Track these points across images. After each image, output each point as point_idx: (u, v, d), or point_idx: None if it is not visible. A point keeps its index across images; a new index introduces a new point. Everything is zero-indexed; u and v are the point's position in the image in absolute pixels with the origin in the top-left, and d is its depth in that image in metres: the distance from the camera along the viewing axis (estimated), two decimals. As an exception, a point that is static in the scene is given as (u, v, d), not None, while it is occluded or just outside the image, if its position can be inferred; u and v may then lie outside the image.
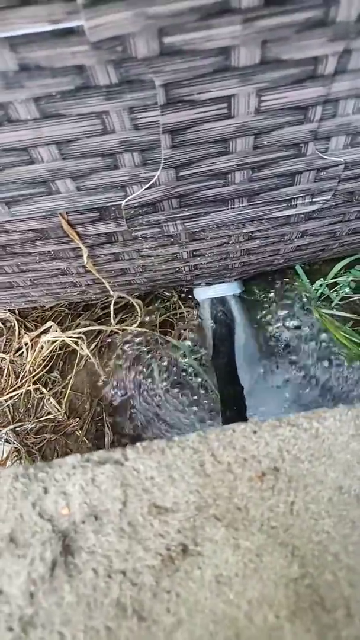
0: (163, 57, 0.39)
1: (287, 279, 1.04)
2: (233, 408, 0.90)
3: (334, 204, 0.64)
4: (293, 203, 0.62)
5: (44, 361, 0.98)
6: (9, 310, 1.04)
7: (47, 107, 0.42)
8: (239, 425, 0.44)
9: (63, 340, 0.96)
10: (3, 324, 1.04)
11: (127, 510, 0.40)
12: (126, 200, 0.56)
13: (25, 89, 0.40)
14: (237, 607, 0.36)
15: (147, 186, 0.54)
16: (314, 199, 0.62)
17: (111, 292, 0.80)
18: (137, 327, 0.98)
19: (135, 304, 0.92)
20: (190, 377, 0.97)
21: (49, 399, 0.96)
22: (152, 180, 0.53)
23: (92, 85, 0.41)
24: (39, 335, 0.98)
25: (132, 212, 0.58)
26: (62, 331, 0.96)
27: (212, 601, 0.36)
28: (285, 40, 0.38)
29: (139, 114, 0.45)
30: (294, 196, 0.61)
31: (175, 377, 0.97)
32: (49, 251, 0.65)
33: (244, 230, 0.67)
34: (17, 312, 1.05)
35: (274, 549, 0.39)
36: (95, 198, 0.55)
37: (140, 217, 0.60)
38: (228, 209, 0.61)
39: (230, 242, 0.70)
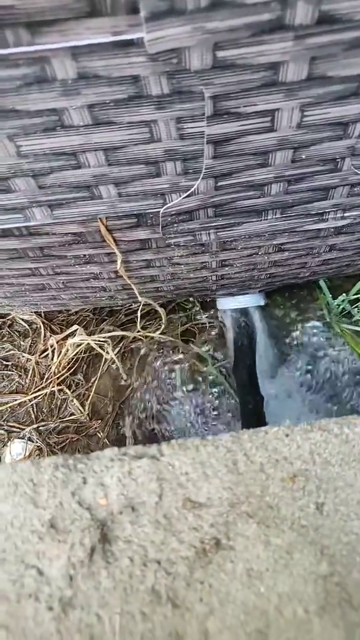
0: (215, 70, 0.41)
1: (309, 293, 1.05)
2: (253, 417, 0.91)
3: (363, 219, 0.66)
4: (325, 217, 0.64)
5: (68, 364, 1.00)
6: (35, 312, 1.06)
7: (100, 114, 0.44)
8: (271, 428, 0.46)
9: (88, 344, 0.98)
10: (29, 325, 1.07)
11: (162, 504, 0.41)
12: (164, 207, 0.57)
13: (81, 96, 0.42)
14: (267, 600, 0.37)
15: (186, 195, 0.56)
16: (345, 214, 0.64)
17: (139, 298, 0.82)
18: (160, 334, 1.00)
19: (159, 311, 0.94)
20: (212, 386, 0.98)
21: (72, 401, 0.98)
22: (192, 189, 0.55)
23: (144, 94, 0.43)
24: (64, 338, 1.00)
25: (169, 219, 0.60)
26: (87, 335, 0.98)
27: (243, 593, 0.37)
28: (333, 57, 0.40)
29: (185, 124, 0.46)
30: (326, 210, 0.63)
31: (197, 386, 0.98)
32: (84, 255, 0.67)
33: (275, 242, 0.69)
34: (43, 314, 1.07)
35: (304, 547, 0.40)
36: (135, 204, 0.57)
37: (175, 225, 0.61)
38: (261, 220, 0.63)
39: (259, 253, 0.72)
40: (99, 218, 0.58)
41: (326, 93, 0.44)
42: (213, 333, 1.05)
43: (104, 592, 0.37)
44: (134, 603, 0.37)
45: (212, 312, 1.08)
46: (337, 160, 0.53)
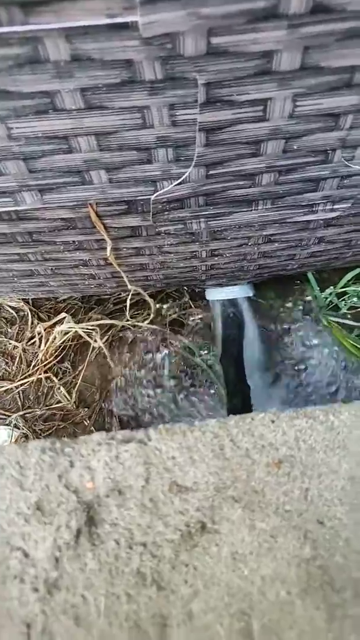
0: (209, 56, 0.41)
1: (298, 286, 1.06)
2: (240, 408, 0.92)
3: (353, 212, 0.67)
4: (314, 209, 0.64)
5: (55, 351, 0.99)
6: (23, 299, 1.06)
7: (92, 98, 0.44)
8: (257, 414, 0.46)
9: (75, 331, 0.97)
10: (16, 312, 1.06)
11: (149, 487, 0.42)
12: (155, 195, 0.57)
13: (74, 79, 0.42)
14: (251, 583, 0.38)
15: (177, 182, 0.56)
16: (335, 206, 0.64)
17: (128, 286, 0.82)
18: (148, 324, 1.00)
19: (149, 301, 0.94)
20: (199, 376, 0.98)
21: (59, 388, 0.97)
22: (183, 177, 0.55)
23: (137, 80, 0.43)
24: (52, 326, 0.99)
25: (159, 207, 0.60)
26: (75, 323, 0.98)
27: (227, 576, 0.38)
28: (326, 47, 0.40)
29: (178, 110, 0.46)
30: (316, 202, 0.63)
31: (184, 375, 0.99)
32: (73, 241, 0.67)
33: (264, 233, 0.69)
34: (30, 302, 1.06)
35: (288, 531, 0.40)
36: (125, 191, 0.57)
37: (166, 213, 0.61)
38: (252, 210, 0.63)
39: (249, 244, 0.72)
40: (89, 204, 0.58)
41: (319, 83, 0.44)
42: (201, 323, 1.05)
43: (89, 573, 0.38)
44: (119, 585, 0.37)
45: (201, 303, 1.08)
46: (328, 151, 0.54)
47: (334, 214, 0.66)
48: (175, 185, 0.56)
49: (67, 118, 0.46)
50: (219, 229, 0.67)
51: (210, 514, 0.41)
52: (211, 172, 0.55)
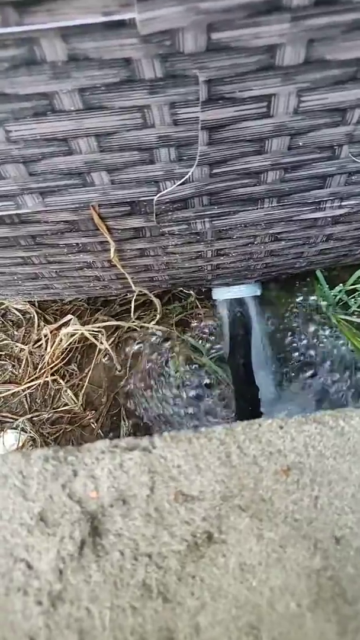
0: (209, 53, 0.39)
1: (306, 284, 1.04)
2: (248, 408, 0.91)
3: (361, 208, 0.65)
4: (322, 206, 0.63)
5: (62, 354, 0.99)
6: (29, 302, 1.05)
7: (91, 98, 0.43)
8: (265, 420, 0.45)
9: (82, 334, 0.97)
10: (22, 315, 1.06)
11: (154, 497, 0.41)
12: (158, 195, 0.56)
13: (71, 79, 0.41)
14: (259, 594, 0.37)
15: (180, 182, 0.55)
16: (343, 203, 0.63)
17: (133, 288, 0.81)
18: (155, 324, 0.99)
19: (154, 301, 0.93)
20: (207, 376, 0.97)
21: (66, 391, 0.97)
22: (186, 177, 0.54)
23: (137, 78, 0.42)
24: (58, 328, 0.99)
25: (163, 207, 0.59)
26: (81, 325, 0.97)
27: (235, 587, 0.37)
28: (331, 40, 0.39)
29: (179, 109, 0.45)
30: (323, 199, 0.62)
31: (191, 376, 0.98)
32: (77, 243, 0.66)
33: (271, 231, 0.68)
34: (36, 304, 1.06)
35: (297, 541, 0.39)
36: (128, 192, 0.56)
37: (170, 213, 0.60)
38: (257, 208, 0.62)
39: (255, 243, 0.71)
40: (92, 206, 0.57)
41: (324, 77, 0.43)
42: (209, 323, 1.04)
43: (94, 585, 0.37)
44: (125, 597, 0.36)
45: (207, 302, 1.07)
46: (335, 147, 0.52)
47: (342, 211, 0.65)
48: (179, 185, 0.55)
49: (66, 119, 0.45)
50: (224, 228, 0.66)
51: (217, 524, 0.40)
52: (215, 170, 0.54)
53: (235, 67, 0.41)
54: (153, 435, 0.44)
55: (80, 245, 0.66)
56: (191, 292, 1.07)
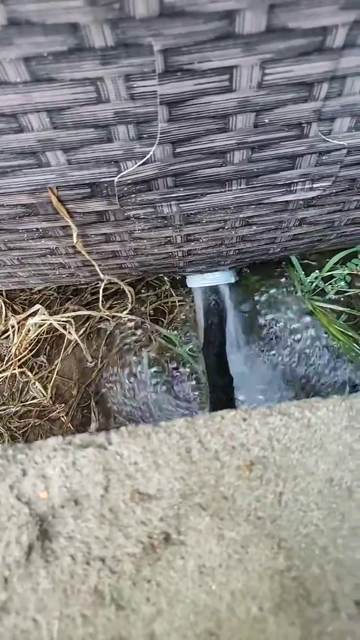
0: (163, 18, 0.36)
1: (281, 270, 1.02)
2: (222, 398, 0.89)
3: (334, 191, 0.63)
4: (292, 188, 0.60)
5: (30, 345, 0.95)
6: (-5, 291, 1.02)
7: (38, 69, 0.40)
8: (228, 412, 0.43)
9: (51, 324, 0.93)
10: (-11, 305, 1.02)
11: (108, 496, 0.38)
12: (119, 176, 0.53)
13: (14, 46, 0.38)
14: (219, 599, 0.34)
15: (141, 162, 0.52)
16: (314, 185, 0.60)
17: (101, 276, 0.78)
18: (127, 314, 0.96)
19: (126, 290, 0.90)
20: (180, 366, 0.95)
21: (34, 383, 0.94)
22: (148, 156, 0.51)
23: (86, 47, 0.38)
24: (26, 318, 0.95)
25: (125, 189, 0.56)
26: (51, 315, 0.93)
27: (193, 592, 0.35)
28: (294, 6, 0.36)
29: (135, 82, 0.42)
30: (294, 181, 0.59)
31: (165, 366, 0.95)
32: (37, 228, 0.63)
33: (241, 215, 0.65)
34: (4, 293, 1.02)
35: (260, 541, 0.37)
36: (86, 173, 0.53)
37: (133, 196, 0.57)
38: (225, 191, 0.59)
39: (226, 227, 0.69)
40: (49, 188, 0.54)
41: (287, 48, 0.40)
42: (183, 312, 1.01)
43: (42, 594, 0.34)
44: (75, 605, 0.34)
45: (182, 291, 1.05)
46: (303, 125, 0.50)
47: (314, 193, 0.62)
48: (140, 165, 0.52)
49: (13, 93, 0.42)
50: (192, 212, 0.63)
51: (175, 524, 0.37)
52: (178, 150, 0.51)
53: (192, 35, 0.38)
54: (109, 431, 0.41)
55: (40, 230, 0.63)
56: (166, 280, 1.05)
